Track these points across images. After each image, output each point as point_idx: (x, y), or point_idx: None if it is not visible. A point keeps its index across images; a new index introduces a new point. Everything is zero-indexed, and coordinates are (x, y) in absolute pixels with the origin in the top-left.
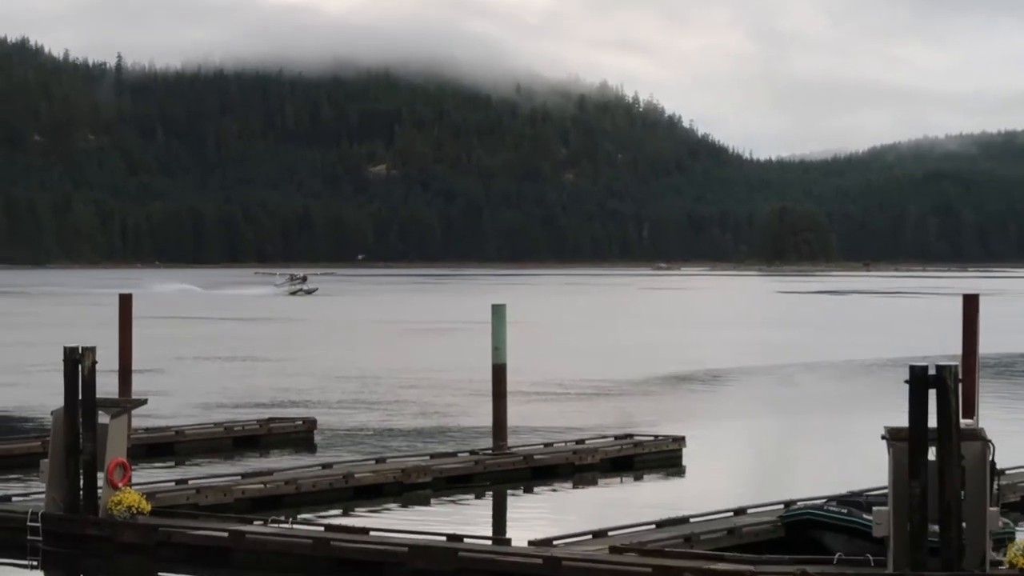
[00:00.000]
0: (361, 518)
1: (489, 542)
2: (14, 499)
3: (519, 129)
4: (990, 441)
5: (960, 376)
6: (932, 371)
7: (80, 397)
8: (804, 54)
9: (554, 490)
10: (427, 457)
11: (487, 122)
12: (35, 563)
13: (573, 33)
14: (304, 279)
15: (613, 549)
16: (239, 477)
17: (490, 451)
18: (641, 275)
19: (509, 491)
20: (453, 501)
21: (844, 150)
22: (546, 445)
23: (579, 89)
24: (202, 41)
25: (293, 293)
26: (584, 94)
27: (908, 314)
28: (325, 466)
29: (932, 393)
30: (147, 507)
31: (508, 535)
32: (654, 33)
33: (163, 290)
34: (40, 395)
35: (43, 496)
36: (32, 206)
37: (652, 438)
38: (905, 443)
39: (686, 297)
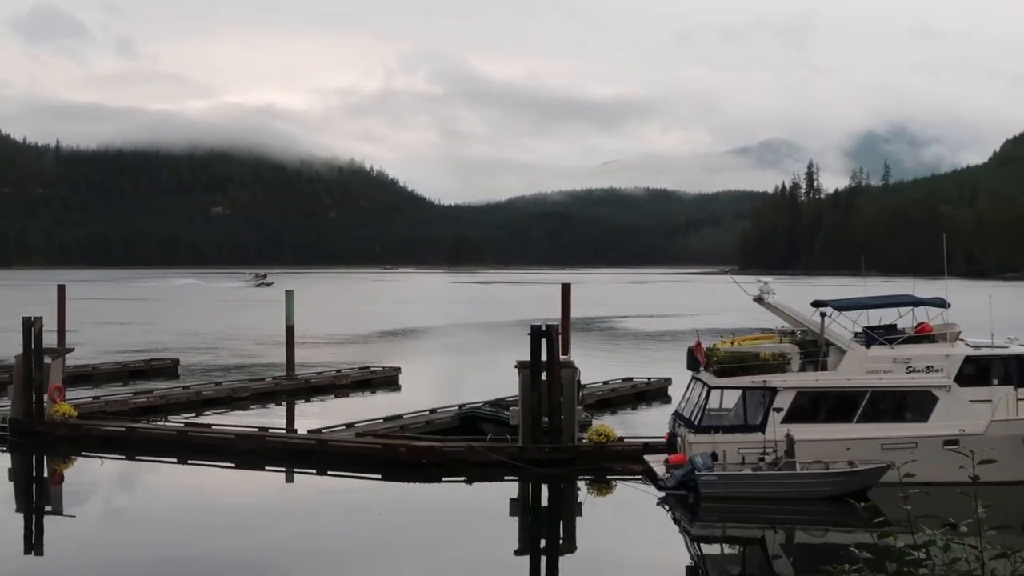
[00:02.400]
0: (206, 418)
1: (283, 431)
2: None
3: (302, 186)
4: (577, 368)
5: (560, 331)
6: (543, 328)
7: (32, 347)
8: (474, 144)
9: (322, 400)
10: (247, 380)
11: (283, 181)
12: (4, 448)
13: (335, 130)
14: (265, 276)
15: (358, 434)
16: (131, 394)
17: (284, 377)
18: (375, 272)
19: (296, 401)
20: (263, 407)
21: (495, 199)
22: (318, 373)
23: (337, 163)
24: (109, 132)
25: (257, 285)
26: (340, 166)
27: (531, 294)
28: (184, 387)
29: (543, 341)
30: (74, 413)
31: (295, 427)
32: (384, 130)
33: (178, 283)
34: (7, 347)
35: (9, 407)
36: (6, 231)
37: (381, 368)
38: (528, 370)
39: (398, 286)
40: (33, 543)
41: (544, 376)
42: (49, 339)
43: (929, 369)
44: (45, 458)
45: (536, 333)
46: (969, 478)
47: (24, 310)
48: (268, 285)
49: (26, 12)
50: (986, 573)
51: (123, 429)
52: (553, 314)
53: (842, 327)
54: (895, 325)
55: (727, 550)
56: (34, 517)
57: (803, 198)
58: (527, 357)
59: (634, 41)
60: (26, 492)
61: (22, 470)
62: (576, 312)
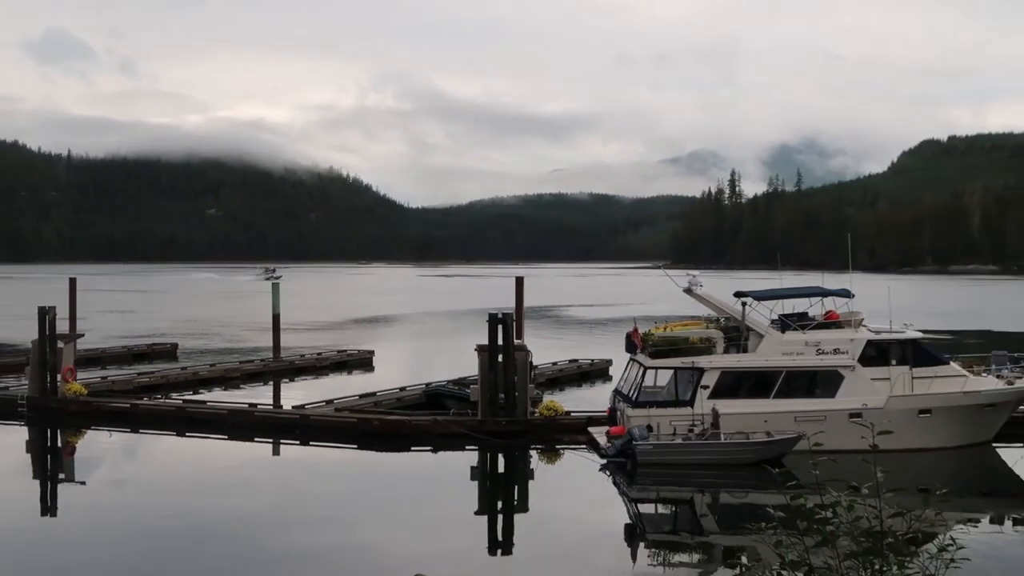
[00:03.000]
0: (202, 396)
1: (270, 407)
2: (11, 388)
3: (286, 191)
4: (529, 351)
5: (514, 318)
6: (499, 315)
7: (47, 333)
8: (438, 154)
9: (304, 379)
10: (238, 362)
11: (269, 187)
12: (22, 423)
13: (315, 141)
14: (274, 270)
15: (336, 409)
16: (135, 375)
17: (271, 359)
18: (351, 267)
19: (282, 380)
20: (252, 385)
21: (457, 203)
22: (300, 356)
23: (317, 170)
24: (115, 143)
25: (267, 279)
26: (320, 173)
27: (488, 286)
28: (182, 368)
29: (499, 327)
30: (84, 391)
31: (281, 403)
32: (358, 142)
33: (198, 276)
34: (25, 333)
35: (27, 386)
36: (23, 231)
37: (356, 351)
38: (486, 353)
39: (371, 279)
40: (48, 507)
41: (500, 358)
42: (61, 326)
43: (836, 351)
44: (59, 431)
45: (493, 320)
46: (869, 447)
47: (39, 300)
48: (277, 279)
49: (39, 36)
50: (884, 529)
51: (128, 405)
52: (508, 303)
53: (760, 315)
54: (806, 313)
55: (660, 510)
56: (49, 484)
57: (726, 202)
58: (485, 341)
59: (578, 64)
60: (41, 462)
61: (38, 442)
62: (528, 302)
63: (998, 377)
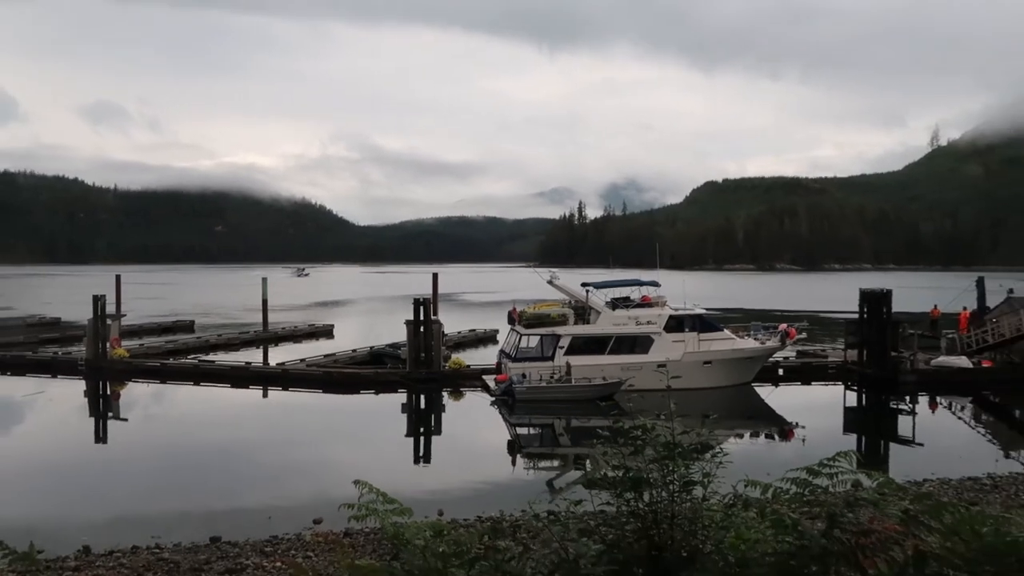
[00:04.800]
0: (212, 357)
1: (261, 364)
2: (73, 352)
3: (272, 214)
4: (441, 323)
5: (431, 301)
6: (421, 299)
7: (99, 314)
8: (378, 189)
9: (285, 345)
10: (237, 332)
11: (260, 211)
12: (81, 378)
13: (293, 179)
14: (303, 269)
15: (308, 365)
16: (163, 342)
17: (261, 330)
18: (316, 267)
19: (269, 345)
20: (247, 349)
21: (392, 222)
22: (282, 328)
23: (294, 200)
24: (149, 179)
25: (298, 276)
26: (296, 202)
27: (414, 280)
28: (198, 338)
29: (421, 307)
30: (126, 354)
31: (268, 361)
32: (323, 179)
33: (252, 273)
34: (84, 314)
35: (84, 351)
36: (82, 242)
37: (321, 325)
38: (412, 325)
39: (330, 276)
40: (101, 436)
41: (422, 329)
42: (109, 309)
43: (649, 323)
44: (107, 383)
45: (416, 303)
46: (666, 387)
47: (93, 290)
48: (306, 275)
49: (90, 104)
50: (676, 442)
51: (159, 364)
52: (427, 291)
53: (598, 299)
54: (629, 297)
55: (532, 431)
56: (101, 420)
57: (576, 222)
58: (412, 317)
59: (473, 127)
60: (95, 405)
61: (93, 391)
62: (441, 290)
63: (755, 339)
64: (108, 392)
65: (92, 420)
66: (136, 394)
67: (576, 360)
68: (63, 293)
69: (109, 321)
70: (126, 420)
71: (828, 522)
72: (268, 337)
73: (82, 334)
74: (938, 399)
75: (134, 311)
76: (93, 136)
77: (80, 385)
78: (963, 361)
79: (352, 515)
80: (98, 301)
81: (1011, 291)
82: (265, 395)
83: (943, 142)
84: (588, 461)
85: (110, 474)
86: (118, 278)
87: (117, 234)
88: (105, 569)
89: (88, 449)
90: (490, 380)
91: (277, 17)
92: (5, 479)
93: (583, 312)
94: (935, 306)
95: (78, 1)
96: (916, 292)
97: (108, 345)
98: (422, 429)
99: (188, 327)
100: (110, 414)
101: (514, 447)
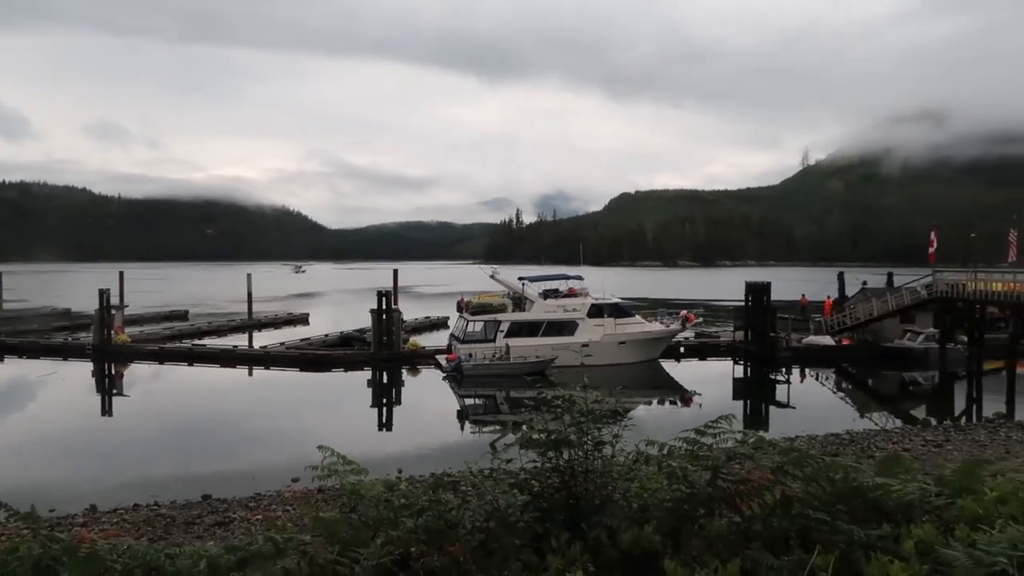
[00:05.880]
0: (204, 341)
1: (247, 347)
2: (82, 338)
3: (256, 220)
4: (401, 312)
5: (392, 292)
6: (383, 291)
7: (105, 304)
8: (347, 199)
9: (267, 331)
10: (225, 320)
11: (246, 217)
12: (89, 360)
13: (274, 190)
14: (300, 266)
15: (287, 347)
16: (161, 329)
17: (246, 318)
18: (295, 264)
19: (253, 331)
20: (235, 335)
21: (359, 226)
22: (265, 316)
23: (275, 208)
24: (149, 189)
25: (296, 272)
26: (277, 208)
27: (378, 275)
28: (191, 325)
29: (384, 298)
30: (129, 340)
31: (253, 345)
32: (300, 190)
33: (261, 270)
34: (91, 304)
35: (91, 336)
36: (91, 243)
37: (298, 313)
38: (376, 312)
39: (307, 271)
40: (107, 411)
41: (384, 316)
42: (114, 300)
43: (574, 310)
44: (112, 365)
45: (379, 294)
46: (579, 363)
47: (100, 284)
48: (303, 272)
49: (95, 122)
50: (591, 409)
51: (157, 348)
52: (388, 284)
53: (533, 290)
54: (558, 289)
55: (477, 402)
56: (107, 397)
57: (515, 227)
58: (376, 306)
59: (428, 145)
60: (101, 383)
61: (99, 372)
62: (401, 284)
63: (661, 323)
64: (113, 372)
65: (99, 397)
66: (137, 374)
67: (514, 342)
68: (73, 288)
69: (113, 311)
70: (129, 396)
71: (712, 473)
72: (252, 324)
73: (90, 322)
74: (807, 371)
75: (135, 302)
76: (99, 152)
77: (88, 367)
78: (827, 340)
79: (315, 475)
80: (103, 294)
81: (865, 283)
82: (250, 374)
83: (812, 162)
84: (525, 426)
85: (115, 443)
86: (121, 274)
87: (121, 236)
88: (110, 524)
89: (95, 421)
90: (442, 359)
91: (260, 50)
92: (22, 448)
93: (520, 301)
94: (803, 295)
95: (85, 35)
96: (791, 284)
97: (112, 332)
98: (384, 401)
99: (183, 316)
100: (114, 391)
101: (462, 415)
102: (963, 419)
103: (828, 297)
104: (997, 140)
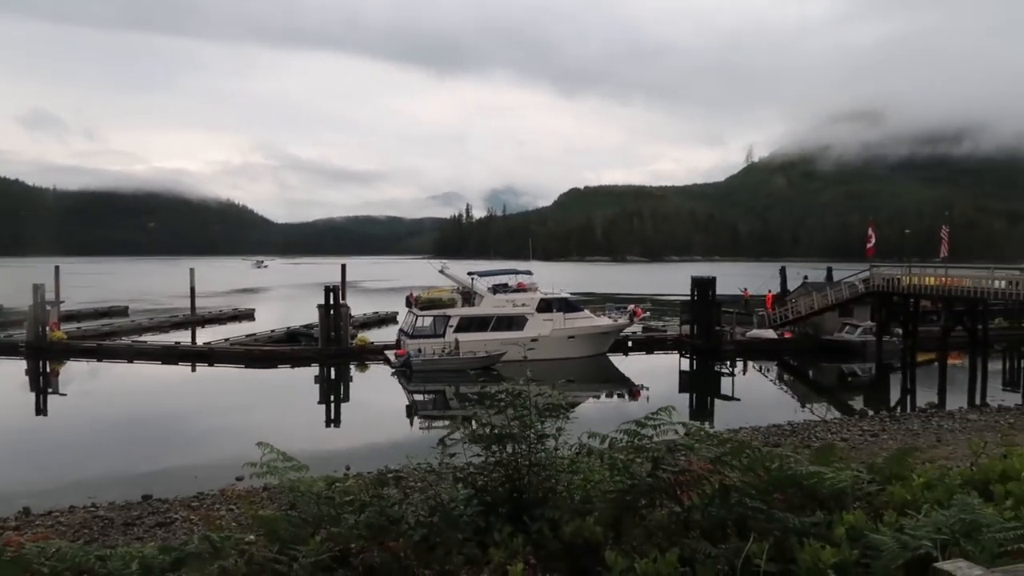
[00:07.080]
0: (144, 338)
1: (189, 343)
2: (14, 335)
3: (200, 213)
4: (349, 307)
5: (340, 287)
6: (331, 286)
7: (39, 300)
8: (294, 192)
9: (211, 327)
10: (167, 316)
11: (189, 210)
12: (23, 358)
13: (218, 183)
14: (262, 261)
15: (232, 343)
16: (99, 325)
17: (189, 314)
18: (240, 259)
19: (197, 327)
20: (177, 331)
21: (306, 220)
22: (208, 312)
23: (219, 201)
24: (86, 181)
25: (257, 267)
26: (221, 202)
27: (325, 270)
28: (131, 321)
29: (331, 293)
30: (65, 337)
31: (196, 341)
32: (245, 183)
33: (216, 264)
34: (24, 301)
35: (26, 333)
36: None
37: (244, 308)
38: (324, 307)
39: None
40: (41, 410)
41: (332, 311)
42: (49, 296)
43: (524, 305)
44: (47, 363)
45: (327, 289)
46: (523, 356)
47: (34, 279)
48: (265, 267)
49: (27, 112)
50: (532, 400)
51: (95, 345)
52: (336, 279)
53: (482, 285)
54: (507, 283)
55: (426, 397)
56: (41, 396)
57: (464, 221)
58: (323, 302)
59: (377, 139)
60: (36, 381)
61: (33, 370)
62: (348, 278)
63: (609, 318)
64: (48, 370)
65: (32, 395)
66: (74, 372)
67: (463, 336)
68: (4, 283)
69: (48, 307)
70: (65, 395)
71: (653, 464)
72: (196, 320)
73: (22, 319)
74: (751, 364)
75: (72, 298)
76: (31, 142)
77: (21, 365)
78: (770, 333)
79: (253, 472)
80: (37, 289)
81: (806, 278)
82: (193, 370)
83: (755, 159)
84: (474, 420)
85: (50, 443)
86: (57, 269)
87: (57, 230)
88: (44, 528)
89: (29, 421)
90: (391, 354)
91: (204, 40)
92: None
93: (469, 296)
94: (745, 289)
95: (15, 22)
96: (735, 279)
97: (47, 328)
98: (332, 397)
99: (122, 311)
100: (50, 390)
101: (411, 410)
102: (898, 409)
103: (769, 291)
104: (929, 139)
